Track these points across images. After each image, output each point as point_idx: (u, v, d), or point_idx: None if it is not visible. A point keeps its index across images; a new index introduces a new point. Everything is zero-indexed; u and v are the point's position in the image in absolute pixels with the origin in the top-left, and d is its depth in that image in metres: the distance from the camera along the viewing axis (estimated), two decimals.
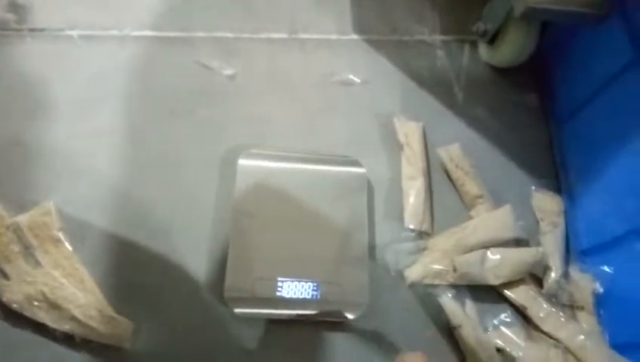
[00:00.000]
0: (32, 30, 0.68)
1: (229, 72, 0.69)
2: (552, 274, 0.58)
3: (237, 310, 0.54)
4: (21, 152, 0.61)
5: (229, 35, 0.72)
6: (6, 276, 0.53)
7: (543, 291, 0.58)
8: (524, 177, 0.66)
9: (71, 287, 0.53)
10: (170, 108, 0.66)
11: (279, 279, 0.56)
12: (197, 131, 0.65)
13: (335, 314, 0.55)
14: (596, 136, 0.62)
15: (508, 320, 0.56)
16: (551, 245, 0.60)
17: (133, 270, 0.57)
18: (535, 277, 0.59)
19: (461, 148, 0.66)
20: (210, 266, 0.57)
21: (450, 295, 0.56)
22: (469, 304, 0.57)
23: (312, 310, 0.55)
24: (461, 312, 0.56)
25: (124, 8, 0.71)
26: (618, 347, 0.54)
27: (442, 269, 0.57)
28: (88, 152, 0.62)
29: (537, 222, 0.63)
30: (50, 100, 0.65)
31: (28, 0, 0.70)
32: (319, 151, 0.65)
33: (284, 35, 0.73)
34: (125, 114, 0.65)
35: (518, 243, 0.60)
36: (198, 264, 0.57)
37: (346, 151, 0.65)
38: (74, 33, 0.69)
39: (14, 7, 0.69)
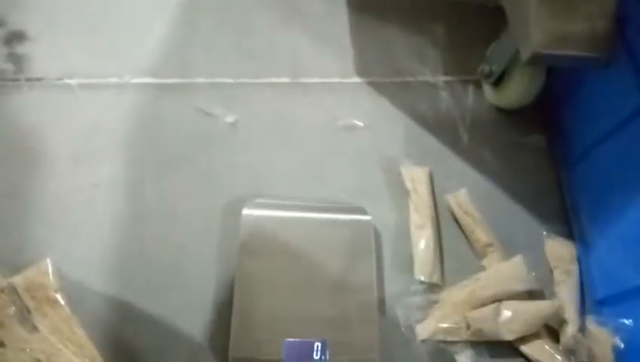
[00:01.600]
0: (30, 80, 0.67)
1: (230, 118, 0.68)
2: (569, 328, 0.56)
3: None
4: (16, 206, 0.59)
5: (230, 80, 0.71)
6: (1, 343, 0.51)
7: (560, 346, 0.56)
8: (534, 222, 0.65)
9: (69, 354, 0.51)
10: (170, 158, 0.64)
11: (286, 340, 0.53)
12: (198, 181, 0.63)
13: None
14: (608, 179, 0.60)
15: None
16: (566, 296, 0.58)
17: (135, 331, 0.54)
18: (551, 329, 0.57)
19: (468, 193, 0.64)
20: (214, 325, 0.55)
21: (467, 356, 0.54)
22: None
23: None
24: None
25: (123, 55, 0.70)
26: None
27: (455, 325, 0.55)
28: (86, 205, 0.60)
29: (550, 271, 0.61)
30: (48, 151, 0.63)
31: (27, 50, 0.69)
32: (324, 198, 0.63)
33: (285, 80, 0.72)
34: (124, 164, 0.64)
35: (531, 294, 0.58)
36: (201, 323, 0.55)
37: (352, 198, 0.64)
38: (72, 82, 0.68)
39: (13, 57, 0.68)
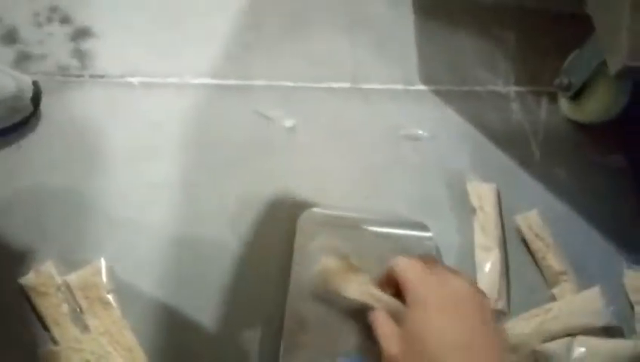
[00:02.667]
0: (93, 76, 0.68)
1: (288, 123, 0.66)
2: None
3: None
4: (75, 203, 0.59)
5: (289, 83, 0.69)
6: (55, 341, 0.51)
7: None
8: (613, 251, 0.59)
9: (118, 357, 0.50)
10: (226, 160, 0.63)
11: (340, 358, 0.51)
12: (253, 185, 0.62)
13: None
14: None
15: None
16: None
17: (185, 337, 0.53)
18: None
19: (540, 215, 0.60)
20: (267, 339, 0.53)
21: None
22: None
23: None
24: None
25: (184, 56, 0.70)
26: None
27: (521, 360, 0.51)
28: (142, 205, 0.60)
29: (631, 306, 0.56)
30: (107, 149, 0.63)
31: (91, 46, 0.70)
32: (382, 211, 0.60)
33: (346, 85, 0.70)
34: (181, 164, 0.63)
35: (608, 331, 0.53)
36: (254, 336, 0.53)
37: (412, 213, 0.60)
38: (134, 80, 0.68)
39: (78, 53, 0.69)
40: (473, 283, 0.44)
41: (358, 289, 0.48)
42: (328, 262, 0.51)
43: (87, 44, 0.70)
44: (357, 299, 0.48)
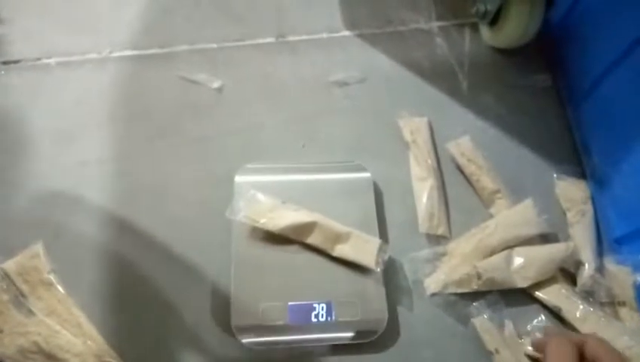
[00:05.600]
0: (7, 63, 0.65)
1: (216, 84, 0.65)
2: (586, 269, 0.53)
3: (245, 340, 0.50)
4: (3, 192, 0.58)
5: (213, 45, 0.68)
6: None
7: (577, 289, 0.53)
8: (544, 165, 0.61)
9: (67, 335, 0.49)
10: (157, 130, 0.62)
11: (289, 303, 0.51)
12: (187, 151, 0.61)
13: (354, 336, 0.51)
14: (620, 112, 0.56)
15: (543, 324, 0.51)
16: (581, 237, 0.55)
17: (133, 308, 0.53)
18: (567, 273, 0.54)
19: (472, 140, 0.61)
20: (215, 296, 0.53)
21: (485, 316, 0.51)
22: (509, 326, 0.51)
23: (328, 333, 0.51)
24: (498, 336, 0.50)
25: (101, 30, 0.68)
26: None
27: (465, 276, 0.52)
28: (75, 185, 0.58)
29: (563, 213, 0.58)
30: (32, 134, 0.61)
31: (3, 32, 0.67)
32: (320, 158, 0.60)
33: (271, 40, 0.69)
34: (111, 140, 0.61)
35: (544, 238, 0.55)
36: (201, 294, 0.53)
37: (348, 156, 0.61)
38: (51, 61, 0.66)
39: None
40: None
41: None
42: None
43: None
44: None
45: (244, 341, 0.50)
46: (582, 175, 0.60)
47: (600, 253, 0.55)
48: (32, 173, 0.59)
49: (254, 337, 0.50)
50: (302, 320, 0.51)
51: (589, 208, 0.58)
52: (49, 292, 0.52)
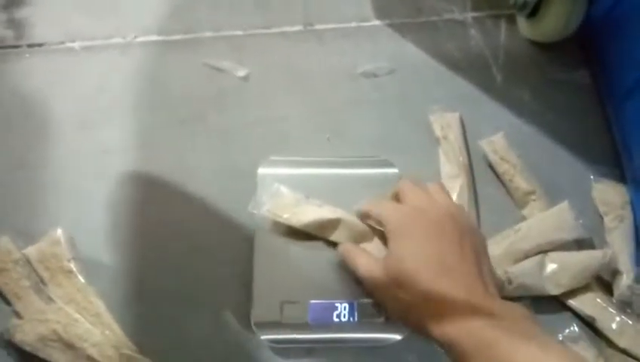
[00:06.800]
0: (31, 46, 0.64)
1: (241, 72, 0.63)
2: (624, 278, 0.50)
3: (265, 337, 0.49)
4: (25, 177, 0.57)
5: (239, 32, 0.66)
6: (18, 315, 0.49)
7: (614, 299, 0.50)
8: (581, 167, 0.58)
9: (86, 324, 0.49)
10: (180, 117, 0.61)
11: (311, 301, 0.50)
12: (211, 141, 0.60)
13: (377, 338, 0.49)
14: None
15: (575, 335, 0.49)
16: (619, 243, 0.53)
17: (153, 299, 0.52)
18: (603, 281, 0.52)
19: (506, 138, 0.58)
20: (235, 291, 0.52)
21: None
22: None
23: (350, 334, 0.49)
24: None
25: (126, 14, 0.66)
26: None
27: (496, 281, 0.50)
28: (97, 172, 0.58)
29: (600, 218, 0.55)
30: (54, 119, 0.60)
31: (26, 14, 0.66)
32: (346, 152, 0.58)
33: (298, 28, 0.67)
34: (134, 127, 0.60)
35: (580, 244, 0.53)
36: (222, 289, 0.52)
37: (376, 151, 0.59)
38: (75, 45, 0.65)
39: (12, 24, 0.65)
40: (450, 203, 0.47)
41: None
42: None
43: (21, 13, 0.66)
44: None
45: (263, 337, 0.49)
46: (621, 178, 0.58)
47: (639, 261, 0.52)
48: (53, 159, 0.58)
49: (274, 334, 0.49)
50: (323, 319, 0.49)
51: (627, 213, 0.55)
52: (69, 280, 0.51)
